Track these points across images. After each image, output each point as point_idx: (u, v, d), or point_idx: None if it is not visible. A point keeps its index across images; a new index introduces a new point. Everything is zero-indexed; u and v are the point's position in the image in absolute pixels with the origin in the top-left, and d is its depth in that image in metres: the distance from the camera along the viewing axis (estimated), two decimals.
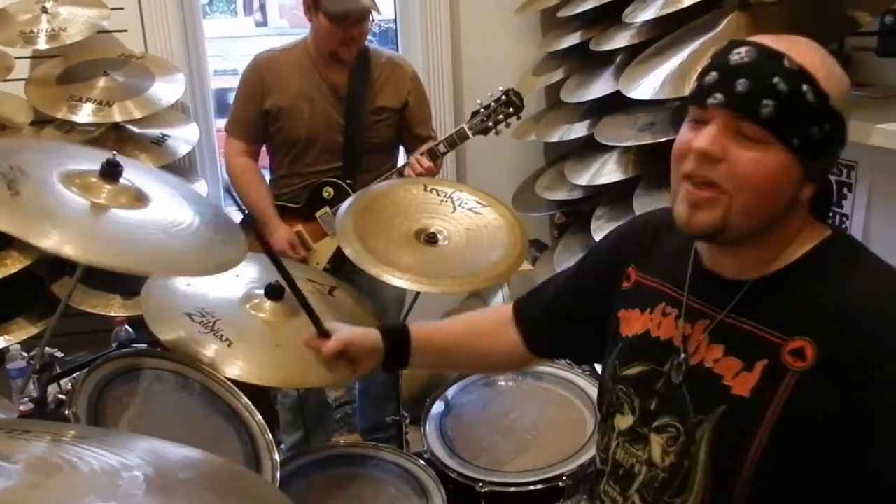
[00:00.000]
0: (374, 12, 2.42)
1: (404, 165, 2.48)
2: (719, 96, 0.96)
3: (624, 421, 1.15)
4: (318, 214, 2.56)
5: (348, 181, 2.53)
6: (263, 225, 2.52)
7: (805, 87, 0.94)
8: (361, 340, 1.42)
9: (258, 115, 2.53)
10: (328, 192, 2.55)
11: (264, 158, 2.71)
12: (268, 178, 2.66)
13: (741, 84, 0.95)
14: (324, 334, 1.41)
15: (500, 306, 1.46)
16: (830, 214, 1.80)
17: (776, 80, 0.94)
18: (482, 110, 2.47)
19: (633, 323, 1.18)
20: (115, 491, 0.73)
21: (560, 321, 1.38)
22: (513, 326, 1.43)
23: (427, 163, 2.43)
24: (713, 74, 0.98)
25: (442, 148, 2.46)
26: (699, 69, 1.03)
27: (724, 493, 1.01)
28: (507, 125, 2.50)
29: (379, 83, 2.54)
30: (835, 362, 0.94)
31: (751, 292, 1.03)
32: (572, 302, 1.36)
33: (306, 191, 2.56)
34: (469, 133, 2.46)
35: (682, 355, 1.08)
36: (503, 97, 2.46)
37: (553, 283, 1.43)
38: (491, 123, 2.46)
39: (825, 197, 1.06)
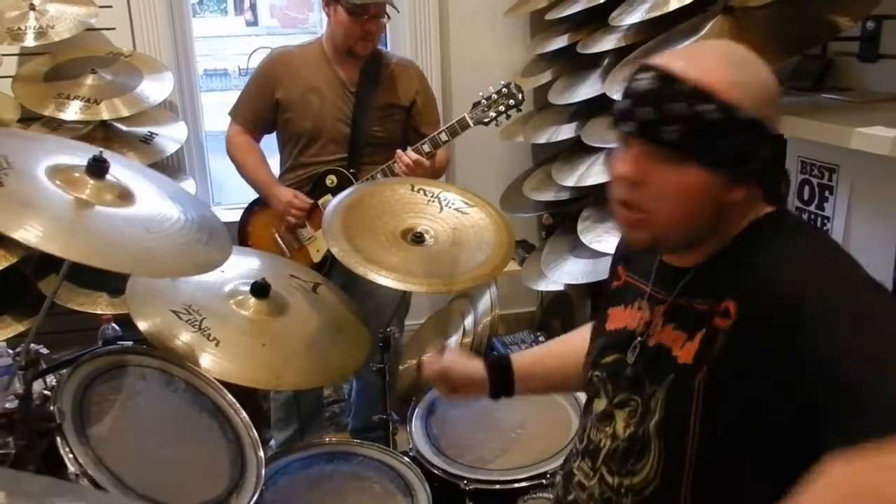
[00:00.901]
0: (390, 8, 2.49)
1: (393, 161, 2.51)
2: (630, 125, 1.01)
3: (599, 404, 1.20)
4: (320, 202, 2.60)
5: (351, 171, 2.57)
6: (264, 190, 2.61)
7: (707, 106, 0.96)
8: (460, 376, 1.45)
9: (267, 105, 2.60)
10: (331, 180, 2.59)
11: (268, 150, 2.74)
12: (277, 173, 2.70)
13: (645, 112, 0.99)
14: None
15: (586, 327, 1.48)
16: (812, 217, 1.83)
17: (675, 103, 0.97)
18: (483, 101, 2.52)
19: (617, 318, 1.23)
20: None
21: None
22: None
23: (414, 156, 2.47)
24: (623, 102, 1.03)
25: (443, 136, 2.51)
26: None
27: (676, 456, 1.05)
28: (507, 117, 2.55)
29: (388, 82, 2.61)
30: (756, 313, 0.96)
31: (696, 275, 1.09)
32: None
33: (310, 180, 2.61)
34: (470, 122, 2.51)
35: (638, 338, 1.14)
36: (504, 89, 2.52)
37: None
38: (492, 114, 2.52)
39: (775, 183, 1.08)
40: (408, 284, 1.84)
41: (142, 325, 1.62)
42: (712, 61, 1.00)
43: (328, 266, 2.55)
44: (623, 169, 1.02)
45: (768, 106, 1.00)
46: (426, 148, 2.51)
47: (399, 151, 2.50)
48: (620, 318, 1.23)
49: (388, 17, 2.54)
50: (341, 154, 2.59)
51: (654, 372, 1.09)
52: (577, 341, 1.46)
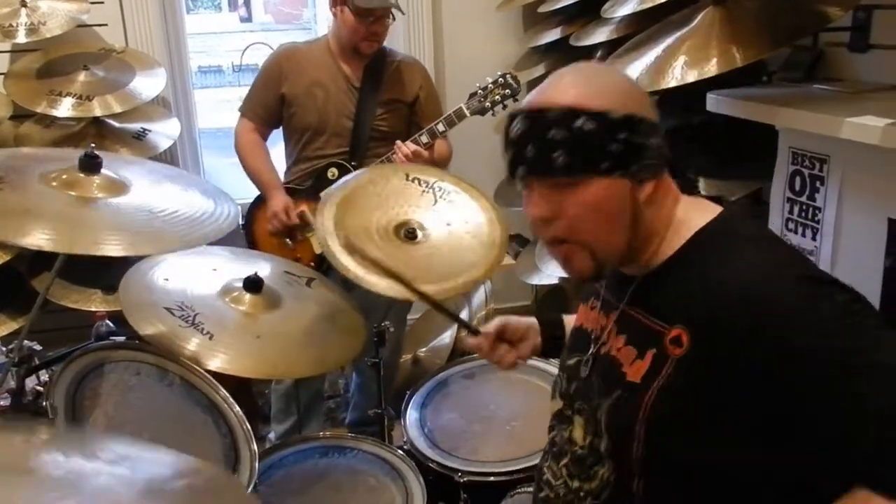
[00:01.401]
0: (395, 10, 2.54)
1: (392, 152, 2.55)
2: (521, 169, 1.05)
3: (556, 405, 1.24)
4: (322, 194, 2.58)
5: (353, 164, 2.60)
6: (264, 190, 2.66)
7: (579, 122, 0.99)
8: (517, 323, 1.44)
9: (274, 99, 2.65)
10: (333, 173, 2.62)
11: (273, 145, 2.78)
12: (282, 169, 2.74)
13: (529, 151, 1.03)
14: (475, 332, 1.42)
15: None
16: (804, 208, 1.83)
17: (551, 132, 1.00)
18: (480, 91, 2.55)
19: (580, 315, 1.28)
20: (85, 496, 0.72)
21: None
22: None
23: (412, 146, 2.50)
24: (509, 152, 1.07)
25: (440, 127, 2.54)
26: None
27: (624, 466, 1.07)
28: (504, 107, 2.56)
29: (392, 78, 2.65)
30: (709, 347, 0.97)
31: (640, 285, 1.10)
32: None
33: (313, 174, 2.65)
34: (466, 112, 2.54)
35: (592, 347, 1.16)
36: (500, 79, 2.55)
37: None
38: (488, 104, 2.54)
39: (679, 174, 1.12)
40: (399, 293, 1.83)
41: (135, 322, 1.62)
42: (565, 84, 1.05)
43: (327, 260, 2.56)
44: (535, 211, 1.06)
45: (634, 100, 1.04)
46: (424, 139, 2.54)
47: (398, 142, 2.53)
48: (581, 314, 1.27)
49: (393, 19, 2.59)
50: (344, 148, 2.62)
51: (603, 384, 1.11)
52: None
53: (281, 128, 2.73)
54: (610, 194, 1.02)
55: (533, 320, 1.46)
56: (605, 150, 1.00)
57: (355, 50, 2.58)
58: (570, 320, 1.49)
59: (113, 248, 1.29)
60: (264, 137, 2.74)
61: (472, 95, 2.56)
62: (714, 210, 1.09)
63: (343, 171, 2.59)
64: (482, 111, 2.55)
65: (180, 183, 1.62)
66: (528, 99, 1.07)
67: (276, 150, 2.78)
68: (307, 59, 2.63)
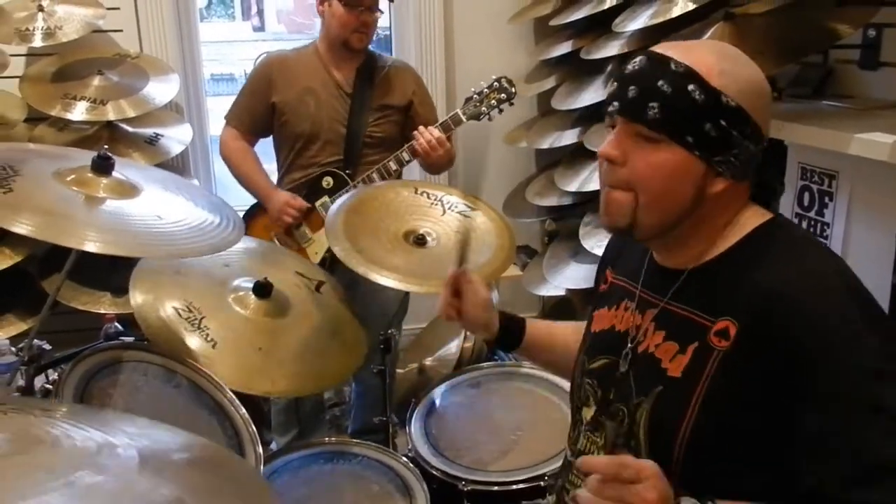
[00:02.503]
0: (383, 3, 2.53)
1: (403, 149, 2.52)
2: (616, 104, 1.04)
3: (588, 412, 1.20)
4: (317, 204, 2.60)
5: (347, 172, 2.58)
6: (260, 193, 2.62)
7: (691, 87, 0.98)
8: (478, 289, 1.43)
9: (263, 108, 2.61)
10: (327, 181, 2.60)
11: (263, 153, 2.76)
12: (274, 177, 2.71)
13: (631, 91, 1.02)
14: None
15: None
16: (812, 223, 1.84)
17: (660, 83, 1.00)
18: (475, 96, 2.53)
19: (601, 320, 1.24)
20: (105, 466, 0.74)
21: None
22: None
23: (436, 132, 2.46)
24: (613, 85, 1.06)
25: (435, 131, 2.49)
26: None
27: (663, 469, 1.03)
28: (500, 111, 2.55)
29: (384, 83, 2.62)
30: (755, 342, 0.97)
31: (687, 280, 1.09)
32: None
33: (307, 184, 2.62)
34: (462, 117, 2.51)
35: (630, 344, 1.14)
36: (496, 83, 2.52)
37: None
38: (484, 109, 2.51)
39: (768, 188, 1.11)
40: (407, 285, 1.85)
41: (143, 324, 1.63)
42: (703, 50, 1.03)
43: (327, 267, 2.56)
44: (608, 150, 1.05)
45: (757, 102, 1.02)
46: (435, 132, 2.48)
47: (420, 128, 2.49)
48: (605, 319, 1.24)
49: (381, 11, 2.56)
50: (338, 156, 2.59)
51: (643, 382, 1.09)
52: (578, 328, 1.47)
53: (272, 137, 2.69)
54: (681, 168, 1.01)
55: (493, 306, 1.45)
56: (699, 126, 0.99)
57: (346, 46, 2.54)
58: (537, 325, 1.50)
59: (96, 246, 1.31)
60: (252, 144, 2.70)
61: (468, 100, 2.53)
62: (765, 214, 1.09)
63: (337, 179, 2.57)
64: (478, 116, 2.52)
65: (189, 193, 1.63)
66: (664, 45, 1.05)
67: (269, 164, 2.74)
68: (297, 66, 2.60)
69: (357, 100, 2.58)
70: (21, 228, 1.28)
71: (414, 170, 2.94)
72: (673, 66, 1.00)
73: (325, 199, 2.58)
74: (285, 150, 2.65)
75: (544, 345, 1.52)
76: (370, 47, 2.65)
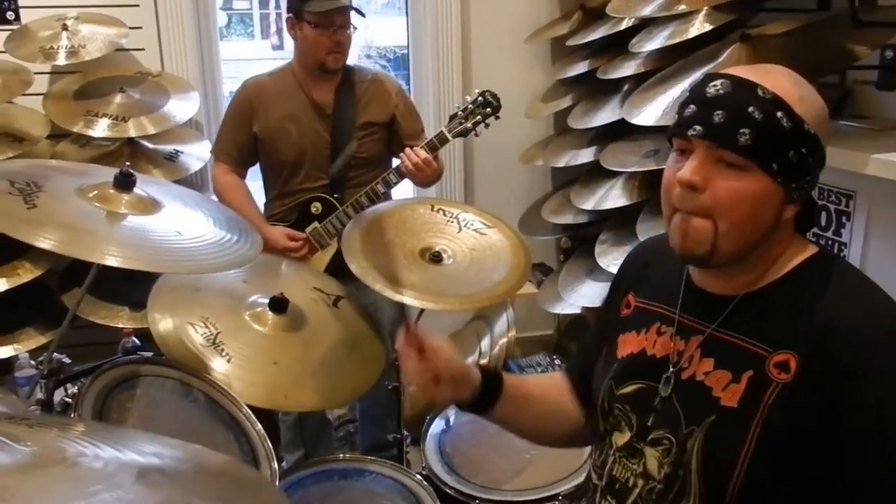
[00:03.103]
0: (355, 18, 2.48)
1: (389, 172, 2.47)
2: (699, 128, 1.00)
3: (621, 438, 1.16)
4: (307, 230, 2.58)
5: (336, 196, 2.55)
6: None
7: (780, 114, 0.98)
8: (455, 362, 1.29)
9: (246, 138, 2.58)
10: (316, 207, 2.57)
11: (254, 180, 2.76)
12: (262, 203, 2.70)
13: (718, 115, 0.99)
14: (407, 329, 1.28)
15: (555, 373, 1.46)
16: (829, 243, 1.83)
17: (751, 109, 0.98)
18: (460, 113, 2.45)
19: (628, 344, 1.21)
20: (122, 483, 0.74)
21: (595, 357, 1.32)
22: (568, 389, 1.38)
23: (423, 153, 2.40)
24: (692, 107, 1.03)
25: (421, 152, 2.42)
26: (679, 102, 1.08)
27: (717, 499, 1.03)
28: (486, 126, 2.46)
29: (364, 100, 2.58)
30: (817, 376, 0.97)
31: (739, 307, 1.07)
32: (601, 341, 1.33)
33: (296, 209, 2.60)
34: (448, 136, 2.44)
35: (672, 369, 1.11)
36: (480, 98, 2.44)
37: (588, 330, 1.45)
38: (469, 125, 2.43)
39: (808, 213, 1.10)
40: (423, 302, 1.85)
41: (159, 339, 1.65)
42: (782, 76, 1.03)
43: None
44: (689, 175, 1.01)
45: (824, 128, 1.03)
46: (422, 154, 2.42)
47: (407, 150, 2.44)
48: (632, 343, 1.20)
49: (355, 28, 2.51)
50: (325, 180, 2.56)
51: (692, 410, 1.07)
52: (549, 381, 1.42)
53: (258, 164, 2.66)
54: (764, 195, 1.00)
55: (474, 367, 1.30)
56: (785, 154, 0.99)
57: (322, 68, 2.50)
58: (513, 380, 1.35)
59: (117, 260, 1.33)
60: (242, 176, 2.67)
61: (453, 117, 2.45)
62: (811, 246, 1.09)
63: (326, 204, 2.55)
64: (464, 133, 2.44)
65: (208, 210, 1.65)
66: (736, 70, 1.04)
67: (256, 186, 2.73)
68: (275, 92, 2.56)
69: (339, 121, 2.54)
70: (44, 243, 1.30)
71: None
72: (761, 93, 0.99)
73: (315, 224, 2.57)
74: (272, 178, 2.63)
75: (521, 398, 1.34)
76: (347, 62, 2.60)
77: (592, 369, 1.31)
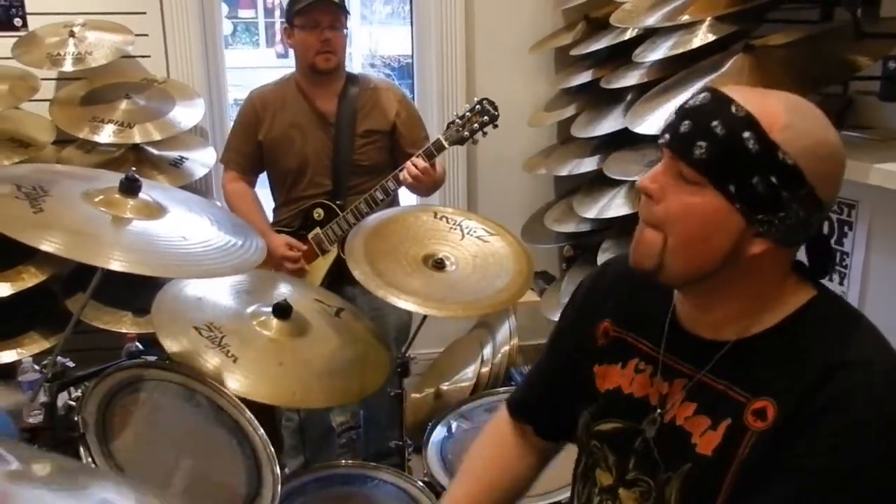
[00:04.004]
0: (344, 18, 2.53)
1: (400, 169, 2.47)
2: (666, 136, 0.98)
3: (605, 478, 1.13)
4: (309, 236, 2.62)
5: (338, 202, 2.58)
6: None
7: (747, 134, 0.91)
8: None
9: (253, 146, 2.64)
10: (318, 213, 2.61)
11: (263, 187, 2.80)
12: (270, 211, 2.74)
13: (684, 125, 0.95)
14: None
15: (492, 424, 1.36)
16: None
17: (715, 123, 0.92)
18: (457, 120, 2.44)
19: (609, 377, 1.16)
20: None
21: (551, 393, 1.29)
22: (515, 432, 1.33)
23: (422, 163, 2.41)
24: (670, 116, 0.99)
25: (420, 162, 2.43)
26: None
27: None
28: (484, 134, 2.45)
29: (367, 108, 2.62)
30: (791, 426, 0.93)
31: (729, 353, 1.01)
32: (554, 369, 1.30)
33: (299, 215, 2.64)
34: (445, 143, 2.43)
35: (658, 411, 1.06)
36: (477, 106, 2.43)
37: (534, 364, 1.37)
38: (466, 133, 2.42)
39: (820, 259, 1.03)
40: (426, 309, 1.86)
41: (164, 340, 1.66)
42: (773, 99, 0.95)
43: None
44: (647, 183, 0.99)
45: (821, 166, 0.92)
46: (420, 163, 2.43)
47: (408, 162, 2.45)
48: (612, 376, 1.14)
49: (347, 29, 2.56)
50: (328, 187, 2.60)
51: (671, 456, 1.03)
52: (491, 458, 1.33)
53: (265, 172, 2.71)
54: (717, 217, 0.94)
55: None
56: (746, 178, 0.91)
57: (314, 69, 2.53)
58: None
59: (121, 265, 1.34)
60: (251, 184, 2.72)
61: (450, 125, 2.45)
62: (809, 290, 1.01)
63: (328, 210, 2.58)
64: (461, 141, 2.43)
65: (213, 215, 1.66)
66: (734, 87, 0.97)
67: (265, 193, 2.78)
68: (280, 101, 2.61)
69: (341, 129, 2.58)
70: (49, 247, 1.31)
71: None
72: (733, 109, 0.92)
73: (317, 231, 2.61)
74: (278, 185, 2.68)
75: None
76: (354, 72, 2.66)
77: (535, 397, 1.30)
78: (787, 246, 0.97)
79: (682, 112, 0.97)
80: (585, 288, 1.29)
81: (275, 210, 2.73)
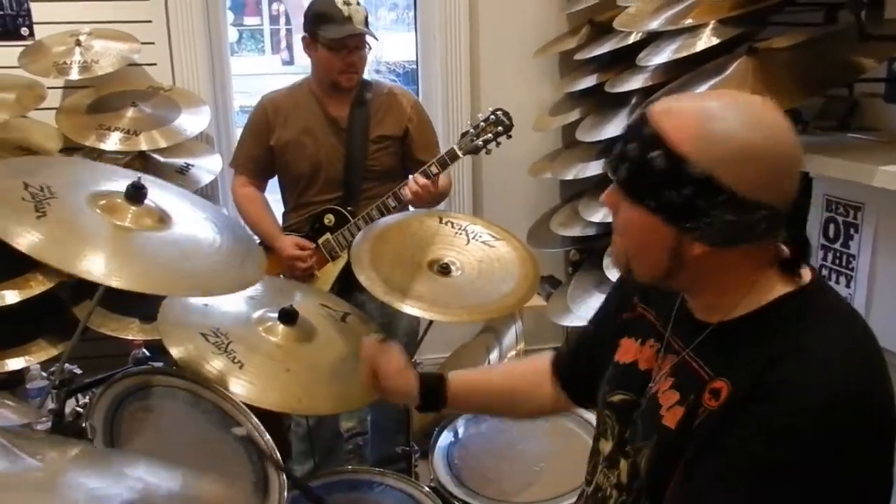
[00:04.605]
0: (370, 38, 2.51)
1: (401, 186, 2.49)
2: (608, 158, 1.07)
3: (606, 446, 1.19)
4: (320, 241, 2.62)
5: (349, 208, 2.59)
6: (267, 240, 2.63)
7: (655, 153, 0.96)
8: (391, 357, 1.49)
9: (264, 151, 2.64)
10: (329, 219, 2.62)
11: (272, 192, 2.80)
12: (279, 214, 2.75)
13: (617, 147, 1.03)
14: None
15: (541, 356, 1.50)
16: (838, 255, 1.83)
17: (632, 145, 1.00)
18: (471, 130, 2.46)
19: (627, 351, 1.22)
20: None
21: (588, 360, 1.36)
22: (550, 375, 1.46)
23: (423, 180, 2.43)
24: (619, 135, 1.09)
25: (434, 169, 2.45)
26: None
27: None
28: (498, 144, 2.47)
29: (380, 113, 2.62)
30: (737, 407, 0.96)
31: (710, 335, 1.06)
32: (595, 340, 1.36)
33: (309, 220, 2.64)
34: (459, 153, 2.44)
35: (650, 385, 1.13)
36: (492, 116, 2.45)
37: (582, 327, 1.46)
38: (480, 143, 2.44)
39: (798, 251, 1.05)
40: (431, 314, 1.86)
41: (170, 346, 1.66)
42: (688, 112, 0.98)
43: None
44: (603, 196, 1.08)
45: (741, 168, 0.94)
46: (421, 179, 2.45)
47: (409, 178, 2.48)
48: (631, 351, 1.21)
49: (370, 48, 2.55)
50: (339, 192, 2.60)
51: (646, 426, 1.10)
52: (521, 369, 1.53)
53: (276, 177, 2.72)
54: (648, 229, 1.01)
55: (410, 378, 1.47)
56: (660, 193, 0.97)
57: (335, 87, 2.55)
58: (459, 374, 1.50)
59: (135, 284, 1.35)
60: (261, 188, 2.73)
61: (465, 135, 2.46)
62: (796, 282, 1.03)
63: (339, 216, 2.59)
64: (475, 150, 2.45)
65: (219, 225, 1.67)
66: (668, 100, 1.02)
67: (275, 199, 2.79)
68: (292, 106, 2.61)
69: (353, 135, 2.58)
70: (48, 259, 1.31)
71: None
72: (645, 130, 0.98)
73: (328, 236, 2.61)
74: (289, 190, 2.69)
75: (478, 390, 1.52)
76: (365, 77, 2.65)
77: (578, 362, 1.40)
78: (726, 246, 0.99)
79: (622, 132, 1.06)
80: None
81: (284, 214, 2.74)
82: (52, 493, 0.71)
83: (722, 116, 0.96)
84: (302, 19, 2.58)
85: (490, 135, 2.44)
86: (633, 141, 1.00)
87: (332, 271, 2.61)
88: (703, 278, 1.04)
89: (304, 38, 2.57)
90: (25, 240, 1.31)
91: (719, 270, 1.03)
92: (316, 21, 2.50)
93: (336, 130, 2.59)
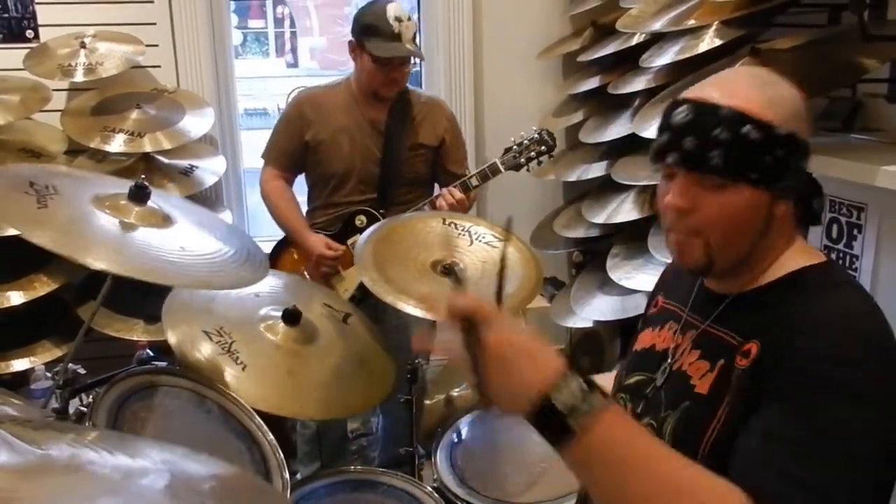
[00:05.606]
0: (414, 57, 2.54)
1: (436, 196, 2.54)
2: (674, 156, 1.05)
3: None
4: (349, 242, 2.63)
5: (381, 211, 2.60)
6: (296, 236, 2.64)
7: (745, 129, 1.00)
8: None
9: (297, 146, 2.64)
10: (361, 220, 2.63)
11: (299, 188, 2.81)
12: (305, 208, 2.75)
13: (688, 142, 1.03)
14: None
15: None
16: (841, 255, 1.83)
17: (717, 130, 1.01)
18: (515, 147, 2.55)
19: (644, 340, 1.28)
20: (130, 492, 0.75)
21: None
22: None
23: (459, 195, 2.49)
24: (664, 136, 1.07)
25: (474, 181, 2.53)
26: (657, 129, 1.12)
27: None
28: (539, 163, 2.57)
29: (417, 121, 2.64)
30: (769, 365, 1.00)
31: (731, 304, 1.12)
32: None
33: (340, 219, 2.65)
34: (501, 168, 2.54)
35: (668, 360, 1.17)
36: (537, 136, 2.55)
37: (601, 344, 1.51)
38: (523, 160, 2.54)
39: (811, 206, 1.11)
40: (435, 314, 1.86)
41: (174, 345, 1.67)
42: (742, 86, 1.04)
43: (356, 304, 2.58)
44: (674, 201, 1.06)
45: (801, 121, 1.04)
46: (458, 192, 2.53)
47: (444, 191, 2.53)
48: (647, 339, 1.27)
49: (414, 64, 2.60)
50: (371, 195, 2.62)
51: (672, 396, 1.12)
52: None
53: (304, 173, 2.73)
54: (750, 204, 1.04)
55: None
56: (761, 162, 1.02)
57: (376, 96, 2.57)
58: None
59: (136, 272, 1.36)
60: (290, 183, 2.74)
61: (508, 150, 2.56)
62: (819, 257, 1.10)
63: (371, 218, 2.59)
64: (517, 167, 2.56)
65: (218, 229, 1.67)
66: (698, 89, 1.07)
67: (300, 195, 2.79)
68: (330, 104, 2.62)
69: (390, 139, 2.60)
70: (38, 239, 1.32)
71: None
72: (722, 111, 1.01)
73: (357, 237, 2.60)
74: (319, 188, 2.68)
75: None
76: None
77: None
78: (797, 197, 1.07)
79: (677, 129, 1.04)
80: (665, 270, 1.43)
81: (309, 212, 2.74)
82: (80, 473, 0.72)
83: (769, 80, 1.06)
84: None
85: (533, 153, 2.55)
86: (713, 128, 1.01)
87: (356, 274, 2.61)
88: (768, 244, 1.08)
89: (350, 43, 2.58)
90: (41, 235, 1.32)
91: (781, 231, 1.08)
92: (364, 31, 2.50)
93: (373, 133, 2.60)
